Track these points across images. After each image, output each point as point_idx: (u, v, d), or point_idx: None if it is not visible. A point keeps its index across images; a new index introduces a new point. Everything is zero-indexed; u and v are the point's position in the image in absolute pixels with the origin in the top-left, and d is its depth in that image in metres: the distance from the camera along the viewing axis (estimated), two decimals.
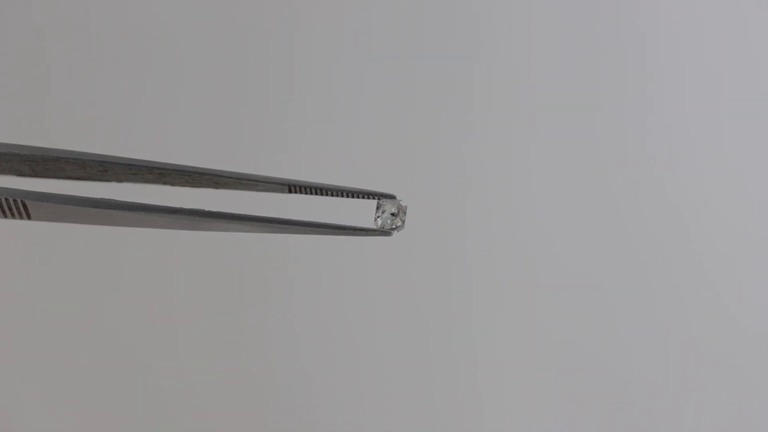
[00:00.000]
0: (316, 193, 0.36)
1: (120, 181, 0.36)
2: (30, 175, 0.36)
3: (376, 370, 0.76)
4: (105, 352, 0.75)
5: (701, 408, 0.75)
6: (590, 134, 0.75)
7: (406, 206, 0.33)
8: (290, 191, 0.36)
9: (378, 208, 0.33)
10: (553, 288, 0.75)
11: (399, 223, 0.32)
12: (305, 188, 0.35)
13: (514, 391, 0.75)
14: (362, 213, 0.34)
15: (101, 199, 0.26)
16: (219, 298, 0.75)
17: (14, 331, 0.75)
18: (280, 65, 0.75)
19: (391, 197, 0.33)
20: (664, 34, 0.75)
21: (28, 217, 0.29)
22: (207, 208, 0.28)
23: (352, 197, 0.35)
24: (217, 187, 0.37)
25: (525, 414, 0.75)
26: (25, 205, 0.26)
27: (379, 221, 0.33)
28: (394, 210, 0.33)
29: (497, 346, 0.75)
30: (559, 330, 0.75)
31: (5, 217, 0.29)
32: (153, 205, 0.27)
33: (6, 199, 0.27)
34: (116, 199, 0.26)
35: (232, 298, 0.75)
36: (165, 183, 0.37)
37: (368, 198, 0.35)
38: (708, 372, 0.75)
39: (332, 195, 0.36)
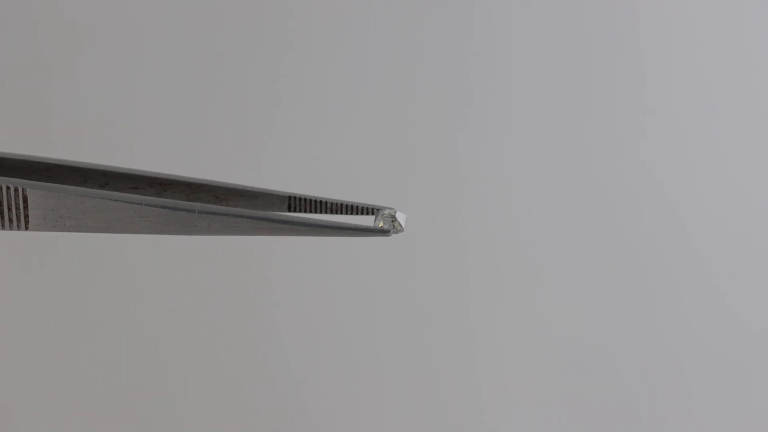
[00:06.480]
0: (316, 209, 0.36)
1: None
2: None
3: (377, 371, 0.76)
4: (102, 355, 0.75)
5: (702, 405, 0.75)
6: (587, 134, 0.75)
7: (405, 216, 0.33)
8: (290, 207, 0.37)
9: (377, 213, 0.34)
10: (554, 287, 0.75)
11: (398, 226, 0.33)
12: (305, 201, 0.35)
13: (515, 392, 0.75)
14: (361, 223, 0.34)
15: (103, 191, 0.26)
16: (216, 302, 0.75)
17: (14, 335, 0.75)
18: (281, 80, 0.75)
19: (390, 209, 0.34)
20: (660, 35, 0.75)
21: (26, 226, 0.29)
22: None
23: (352, 213, 0.35)
24: (217, 201, 0.37)
25: (526, 414, 0.75)
26: (25, 201, 0.26)
27: (379, 222, 0.33)
28: (393, 214, 0.33)
29: (498, 347, 0.75)
30: (560, 328, 0.75)
31: (2, 227, 0.29)
32: (150, 199, 0.27)
33: (7, 205, 0.27)
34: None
35: (229, 301, 0.75)
36: (165, 197, 0.37)
37: (368, 213, 0.35)
38: (709, 369, 0.75)
39: (332, 211, 0.36)
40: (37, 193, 0.26)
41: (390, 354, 0.76)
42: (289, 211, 0.37)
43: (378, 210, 0.34)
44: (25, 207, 0.26)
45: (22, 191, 0.26)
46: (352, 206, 0.35)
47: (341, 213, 0.36)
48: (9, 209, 0.27)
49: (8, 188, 0.26)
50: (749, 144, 0.75)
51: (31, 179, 0.36)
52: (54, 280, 0.74)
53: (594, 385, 0.75)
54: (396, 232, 0.33)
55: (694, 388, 0.75)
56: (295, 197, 0.35)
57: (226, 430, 0.75)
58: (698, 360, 0.75)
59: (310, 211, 0.37)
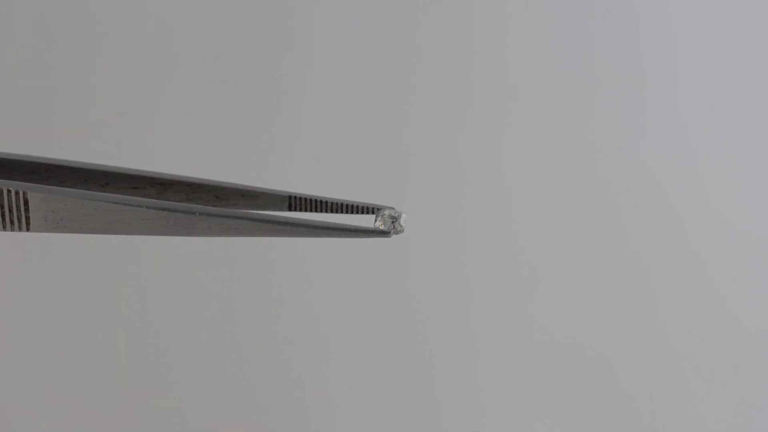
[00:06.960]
0: (317, 209, 0.36)
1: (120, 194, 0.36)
2: None
3: (377, 372, 0.76)
4: (103, 355, 0.75)
5: (704, 406, 0.75)
6: (587, 134, 0.75)
7: (405, 216, 0.33)
8: (290, 206, 0.37)
9: (377, 213, 0.34)
10: (554, 287, 0.75)
11: (399, 227, 0.33)
12: (305, 200, 0.35)
13: (515, 394, 0.75)
14: (361, 223, 0.34)
15: (103, 194, 0.26)
16: (216, 302, 0.75)
17: (14, 335, 0.75)
18: (282, 79, 0.75)
19: (391, 209, 0.34)
20: (660, 35, 0.75)
21: (27, 228, 0.29)
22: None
23: (353, 212, 0.35)
24: (217, 201, 0.37)
25: (526, 415, 0.75)
26: (26, 204, 0.26)
27: (379, 223, 0.33)
28: (394, 215, 0.33)
29: (498, 348, 0.75)
30: (560, 329, 0.75)
31: (4, 228, 0.29)
32: (150, 201, 0.27)
33: (8, 207, 0.27)
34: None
35: (229, 302, 0.75)
36: (166, 198, 0.37)
37: (369, 213, 0.35)
38: (710, 371, 0.75)
39: (332, 211, 0.36)
40: (38, 195, 0.26)
41: (390, 355, 0.76)
42: (290, 210, 0.37)
43: (379, 210, 0.34)
44: (26, 209, 0.26)
45: (23, 194, 0.26)
46: (352, 206, 0.35)
47: (342, 212, 0.36)
48: (10, 211, 0.27)
49: (9, 191, 0.26)
50: (749, 144, 0.75)
51: (31, 180, 0.36)
52: (54, 280, 0.74)
53: (595, 386, 0.75)
54: (396, 233, 0.33)
55: (696, 390, 0.75)
56: (295, 197, 0.35)
57: (226, 430, 0.75)
58: (699, 362, 0.75)
59: (311, 211, 0.37)
